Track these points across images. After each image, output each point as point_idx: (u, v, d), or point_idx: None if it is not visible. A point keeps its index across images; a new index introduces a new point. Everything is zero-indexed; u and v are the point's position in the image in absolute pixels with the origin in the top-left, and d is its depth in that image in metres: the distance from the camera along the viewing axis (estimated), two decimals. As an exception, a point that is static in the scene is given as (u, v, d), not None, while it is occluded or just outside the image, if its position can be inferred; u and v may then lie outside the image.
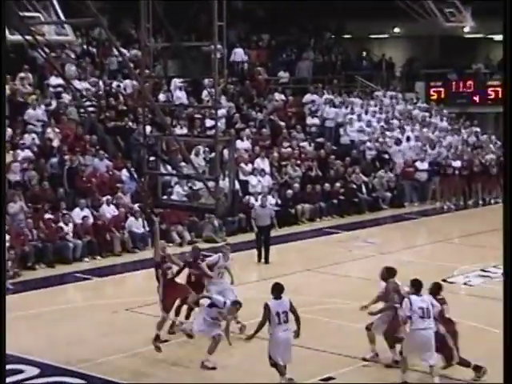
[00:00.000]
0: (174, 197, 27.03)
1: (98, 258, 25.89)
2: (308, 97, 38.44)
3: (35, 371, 16.45)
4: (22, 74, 30.34)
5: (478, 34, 45.21)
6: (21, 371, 16.11)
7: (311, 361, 16.94)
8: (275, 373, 15.12)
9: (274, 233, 28.85)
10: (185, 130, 30.60)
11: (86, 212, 26.38)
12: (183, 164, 28.54)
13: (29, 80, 30.64)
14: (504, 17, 11.33)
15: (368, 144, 36.63)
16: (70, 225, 25.65)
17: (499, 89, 43.83)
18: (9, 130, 27.82)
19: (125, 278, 24.48)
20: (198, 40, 26.35)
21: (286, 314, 15.35)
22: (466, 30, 42.95)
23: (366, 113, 38.84)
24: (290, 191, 31.33)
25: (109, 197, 27.35)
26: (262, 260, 25.43)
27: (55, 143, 28.58)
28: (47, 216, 25.46)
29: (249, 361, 16.74)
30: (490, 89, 44.19)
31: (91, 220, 26.31)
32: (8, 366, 14.21)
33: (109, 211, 26.95)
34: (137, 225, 27.05)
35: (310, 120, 37.34)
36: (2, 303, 7.36)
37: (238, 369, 16.71)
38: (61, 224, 25.53)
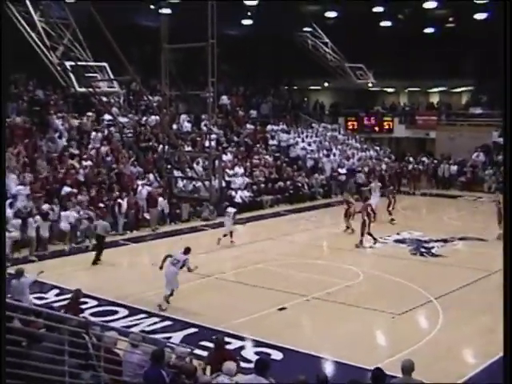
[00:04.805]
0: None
1: (135, 231, 25.59)
2: (269, 127, 38.43)
3: (94, 302, 16.44)
4: (88, 113, 30.11)
5: (376, 87, 45.33)
6: (85, 302, 15.99)
7: (271, 296, 17.01)
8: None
9: (247, 214, 28.94)
10: (190, 148, 30.54)
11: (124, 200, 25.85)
12: (188, 170, 28.55)
13: (92, 117, 30.42)
14: (504, 18, 9.85)
15: (308, 157, 36.70)
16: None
17: (391, 122, 44.11)
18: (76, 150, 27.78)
19: (153, 245, 24.18)
20: (198, 90, 26.25)
21: None
22: (370, 84, 43.10)
23: (307, 137, 38.93)
24: (255, 186, 31.34)
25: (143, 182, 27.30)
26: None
27: (107, 157, 28.46)
28: (101, 205, 25.15)
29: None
30: (385, 122, 44.30)
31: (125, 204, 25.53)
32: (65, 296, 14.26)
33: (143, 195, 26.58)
34: (164, 205, 26.71)
35: (270, 141, 37.32)
36: (2, 301, 6.87)
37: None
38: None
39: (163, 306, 16.07)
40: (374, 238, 23.29)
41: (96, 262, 20.57)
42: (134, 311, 15.85)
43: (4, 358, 6.72)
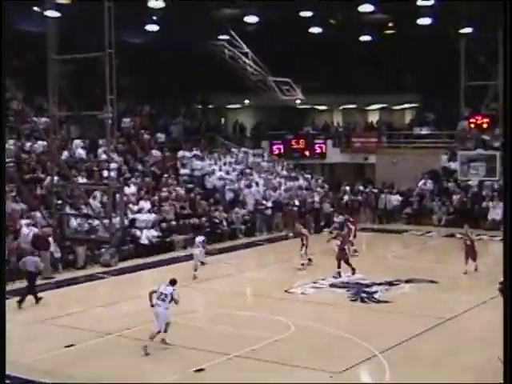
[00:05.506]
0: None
1: (18, 282, 24.80)
2: (181, 153, 38.39)
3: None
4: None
5: (306, 105, 46.03)
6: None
7: (185, 356, 16.83)
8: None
9: (156, 258, 28.75)
10: (85, 180, 30.18)
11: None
12: (84, 206, 28.14)
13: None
14: (504, 18, 10.35)
15: (227, 188, 36.79)
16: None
17: (323, 145, 44.76)
18: None
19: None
20: (94, 110, 25.97)
21: None
22: (298, 102, 43.72)
23: (225, 164, 39.06)
24: (164, 224, 31.20)
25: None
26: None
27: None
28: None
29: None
30: (317, 145, 44.99)
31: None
32: None
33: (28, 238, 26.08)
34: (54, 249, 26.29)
35: (182, 170, 37.27)
36: (2, 303, 6.78)
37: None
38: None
39: (167, 340, 17.16)
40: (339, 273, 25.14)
41: (37, 300, 21.72)
42: (12, 381, 15.37)
43: (4, 356, 6.47)
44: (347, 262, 25.33)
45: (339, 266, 25.15)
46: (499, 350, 14.05)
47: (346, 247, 25.92)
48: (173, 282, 17.52)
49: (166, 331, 17.21)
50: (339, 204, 37.78)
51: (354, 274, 25.13)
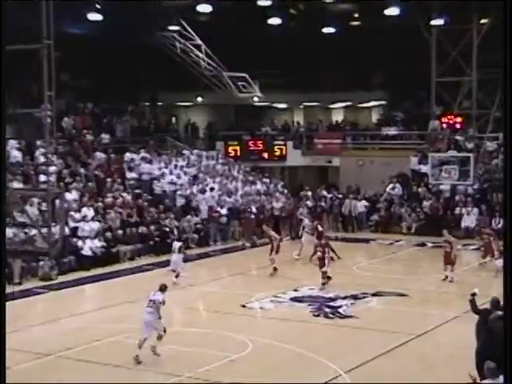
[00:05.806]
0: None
1: None
2: (128, 155, 38.17)
3: None
4: None
5: (264, 102, 46.12)
6: None
7: (131, 378, 16.72)
8: None
9: (101, 270, 28.59)
10: (21, 185, 29.88)
11: None
12: (19, 214, 27.88)
13: None
14: (504, 17, 10.74)
15: (178, 193, 36.69)
16: None
17: (283, 147, 44.86)
18: None
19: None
20: (31, 107, 25.69)
21: None
22: (255, 99, 43.77)
23: (176, 167, 38.93)
24: (109, 233, 31.01)
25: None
26: None
27: None
28: None
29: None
30: (276, 147, 45.07)
31: None
32: None
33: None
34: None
35: (129, 174, 37.07)
36: (2, 304, 6.89)
37: None
38: None
39: (156, 355, 17.60)
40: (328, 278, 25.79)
41: None
42: None
43: (4, 356, 6.43)
44: (324, 273, 25.51)
45: (329, 278, 25.66)
46: (472, 366, 14.25)
47: (325, 256, 25.95)
48: (162, 289, 18.24)
49: (160, 338, 17.81)
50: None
51: (322, 287, 25.19)
